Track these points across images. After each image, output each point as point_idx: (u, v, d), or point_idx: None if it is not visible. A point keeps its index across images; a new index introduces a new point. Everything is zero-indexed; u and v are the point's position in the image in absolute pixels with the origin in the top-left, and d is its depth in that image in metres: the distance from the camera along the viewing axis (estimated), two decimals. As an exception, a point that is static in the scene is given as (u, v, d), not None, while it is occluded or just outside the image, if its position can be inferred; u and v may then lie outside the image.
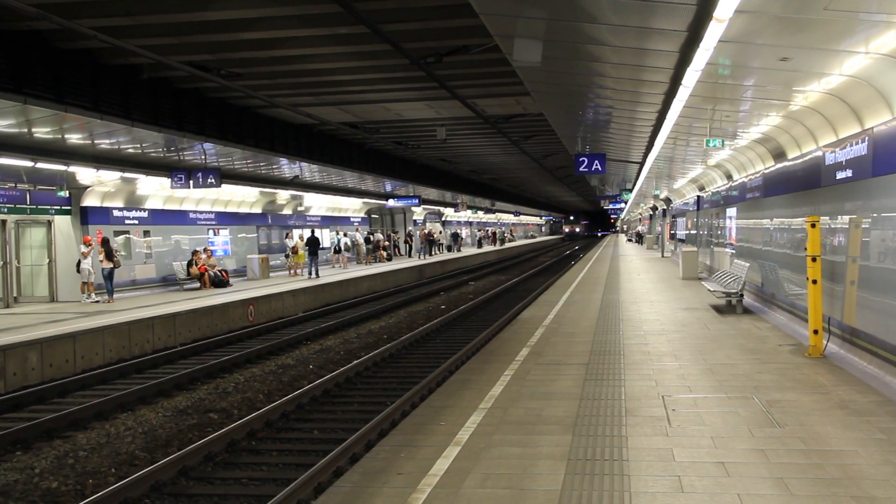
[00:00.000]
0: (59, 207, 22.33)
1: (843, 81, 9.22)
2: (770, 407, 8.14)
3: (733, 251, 19.98)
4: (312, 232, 32.31)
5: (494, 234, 72.89)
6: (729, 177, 20.42)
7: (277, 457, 9.44)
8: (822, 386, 9.10)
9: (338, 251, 36.23)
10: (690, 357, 11.24)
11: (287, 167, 26.74)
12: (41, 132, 16.66)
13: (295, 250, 32.07)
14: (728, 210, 21.15)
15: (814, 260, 10.50)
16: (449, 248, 55.56)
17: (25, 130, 16.23)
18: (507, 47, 10.21)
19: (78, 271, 21.22)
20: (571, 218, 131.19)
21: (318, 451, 9.33)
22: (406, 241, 49.11)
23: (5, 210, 20.82)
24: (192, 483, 8.61)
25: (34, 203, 21.65)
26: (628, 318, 15.85)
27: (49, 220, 22.25)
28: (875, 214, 9.45)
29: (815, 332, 10.75)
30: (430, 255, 46.95)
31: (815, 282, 10.55)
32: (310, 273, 29.56)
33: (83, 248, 21.20)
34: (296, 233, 34.03)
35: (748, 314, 15.65)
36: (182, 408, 12.03)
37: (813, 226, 10.51)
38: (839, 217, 10.94)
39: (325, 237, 38.89)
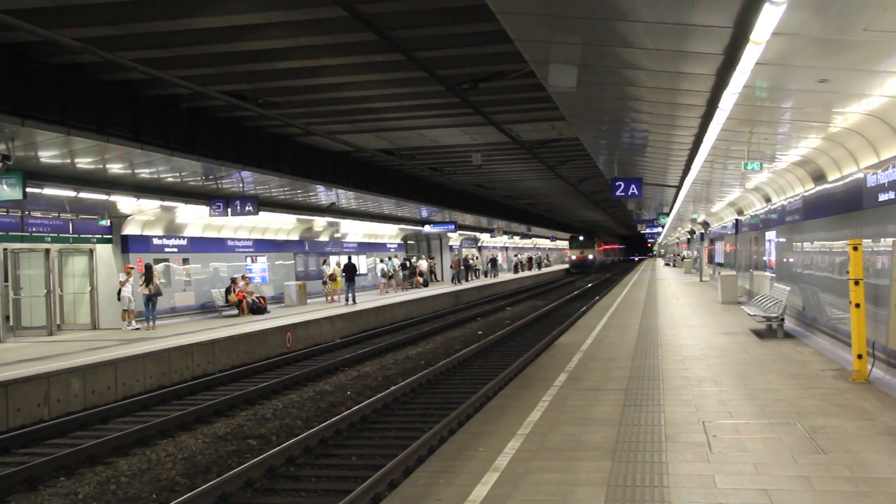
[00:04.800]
0: (100, 236, 22.70)
1: (885, 102, 9.12)
2: (814, 433, 8.00)
3: (773, 275, 19.73)
4: (349, 258, 32.46)
5: (530, 259, 72.76)
6: (768, 200, 20.23)
7: (316, 483, 9.44)
8: (867, 412, 8.93)
9: (384, 276, 36.76)
10: (731, 382, 11.09)
11: (324, 194, 26.94)
12: (84, 162, 16.99)
13: (332, 277, 32.23)
14: (767, 233, 20.92)
15: (856, 283, 10.34)
16: (485, 274, 55.48)
17: (69, 161, 16.56)
18: (542, 73, 10.25)
19: (119, 299, 21.53)
20: (581, 238, 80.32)
21: (357, 478, 9.31)
22: (453, 266, 47.77)
23: (49, 239, 21.20)
24: (232, 509, 8.65)
25: (76, 232, 22.03)
26: (667, 342, 15.70)
27: (91, 249, 22.61)
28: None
29: (859, 356, 10.56)
30: (467, 280, 46.86)
31: (858, 305, 10.38)
32: (347, 299, 29.67)
33: (121, 277, 21.51)
34: (333, 259, 34.20)
35: (789, 339, 15.43)
36: (221, 434, 12.10)
37: (855, 249, 10.36)
38: (882, 240, 10.77)
39: (362, 263, 39.08)
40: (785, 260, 18.32)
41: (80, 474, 10.13)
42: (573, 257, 79.03)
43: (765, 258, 21.45)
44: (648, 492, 6.38)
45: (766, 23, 6.05)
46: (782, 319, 15.85)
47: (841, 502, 5.98)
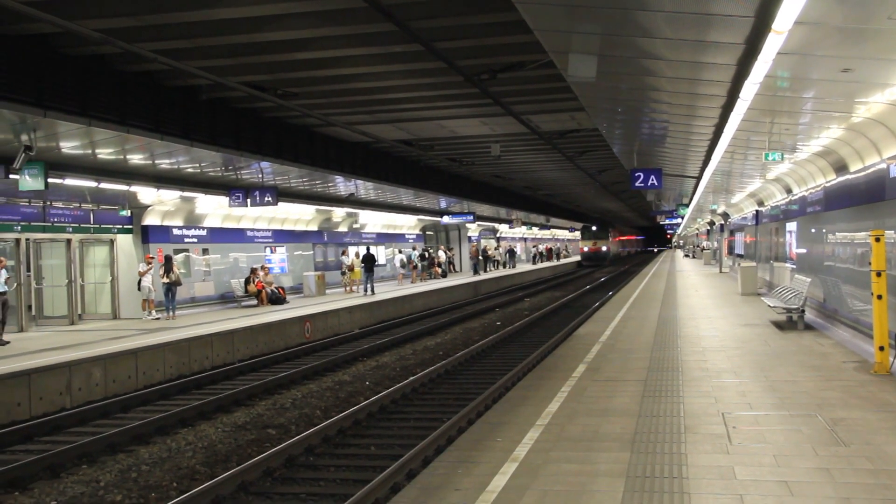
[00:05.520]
0: (120, 226, 22.86)
1: (908, 92, 9.02)
2: (834, 425, 7.96)
3: (794, 266, 19.60)
4: (368, 249, 32.52)
5: (550, 249, 72.62)
6: (788, 191, 20.07)
7: (335, 472, 9.49)
8: (889, 404, 8.87)
9: (403, 266, 36.81)
10: (751, 374, 11.04)
11: (342, 185, 27.01)
12: (104, 153, 17.10)
13: (351, 267, 32.29)
14: (788, 224, 20.76)
15: (879, 275, 10.26)
16: (504, 265, 55.42)
17: (90, 152, 16.67)
18: (561, 63, 10.20)
19: (139, 289, 21.69)
20: (594, 228, 72.34)
21: (376, 467, 9.34)
22: (472, 256, 47.66)
23: (70, 229, 21.38)
24: (252, 498, 8.69)
25: (97, 222, 22.20)
26: (686, 334, 15.64)
27: (111, 239, 22.78)
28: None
29: (881, 348, 10.49)
30: (485, 271, 46.80)
31: (880, 297, 10.30)
32: (365, 290, 29.75)
33: (142, 267, 21.67)
34: (351, 250, 34.25)
35: (810, 330, 15.33)
36: (241, 423, 12.17)
37: (877, 240, 10.27)
38: (905, 231, 10.68)
39: (381, 254, 39.13)
40: (806, 251, 18.19)
41: (102, 462, 10.23)
42: (585, 249, 72.32)
43: (785, 249, 21.31)
44: (668, 483, 6.37)
45: (789, 12, 5.99)
46: (803, 311, 15.74)
47: (862, 494, 5.95)
